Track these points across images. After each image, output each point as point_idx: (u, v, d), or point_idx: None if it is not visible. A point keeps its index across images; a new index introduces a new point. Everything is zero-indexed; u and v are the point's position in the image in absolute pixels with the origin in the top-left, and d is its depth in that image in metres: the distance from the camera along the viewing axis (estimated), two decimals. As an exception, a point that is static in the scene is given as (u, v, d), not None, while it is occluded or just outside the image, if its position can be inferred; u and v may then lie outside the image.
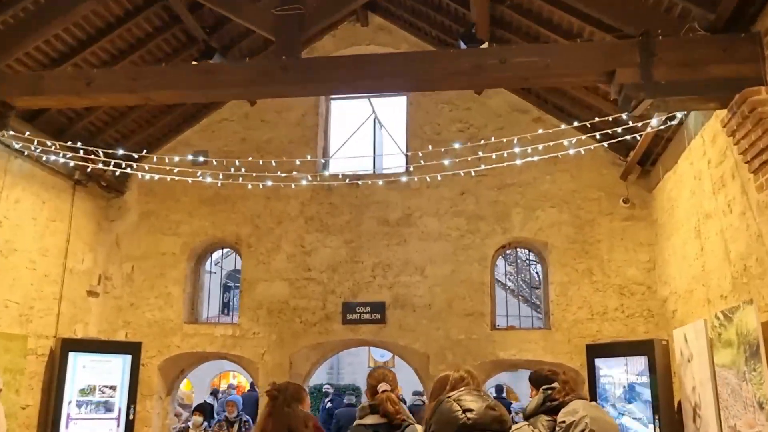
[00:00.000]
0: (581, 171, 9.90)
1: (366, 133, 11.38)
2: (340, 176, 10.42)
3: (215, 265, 18.43)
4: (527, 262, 24.25)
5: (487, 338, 9.60)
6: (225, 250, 11.52)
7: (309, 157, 9.03)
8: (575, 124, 7.54)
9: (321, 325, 10.00)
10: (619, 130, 7.50)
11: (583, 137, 7.98)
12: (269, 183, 8.69)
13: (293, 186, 9.18)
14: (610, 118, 7.28)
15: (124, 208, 10.92)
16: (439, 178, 8.75)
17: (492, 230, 9.96)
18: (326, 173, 10.38)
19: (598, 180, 9.81)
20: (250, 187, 9.00)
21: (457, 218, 10.06)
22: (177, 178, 8.67)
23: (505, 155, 8.01)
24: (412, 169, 10.33)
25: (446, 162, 8.25)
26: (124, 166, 8.37)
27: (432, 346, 9.68)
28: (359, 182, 10.20)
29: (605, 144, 7.92)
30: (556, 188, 9.91)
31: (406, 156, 10.62)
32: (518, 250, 11.12)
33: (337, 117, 11.55)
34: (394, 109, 11.65)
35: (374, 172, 10.80)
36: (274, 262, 10.32)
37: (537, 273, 26.37)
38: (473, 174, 8.71)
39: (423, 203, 10.19)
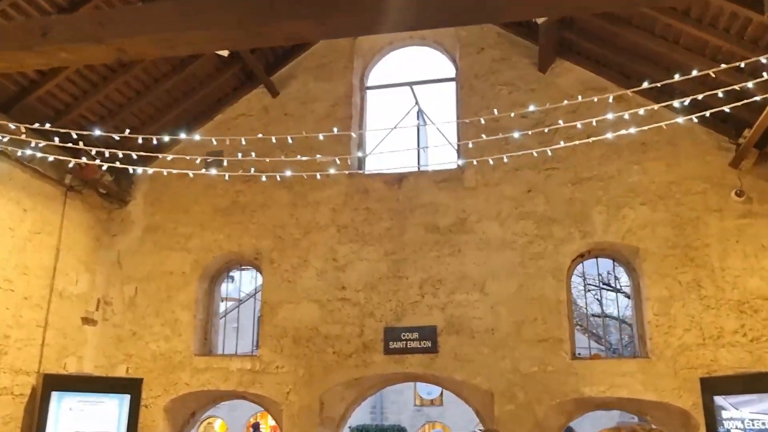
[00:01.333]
0: (679, 158, 7.95)
1: (408, 129, 9.63)
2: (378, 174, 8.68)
3: (251, 296, 16.67)
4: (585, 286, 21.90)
5: (567, 370, 7.59)
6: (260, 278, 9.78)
7: (336, 131, 7.20)
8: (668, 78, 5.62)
9: (358, 356, 8.14)
10: (742, 89, 5.55)
11: (680, 102, 6.03)
12: (288, 173, 6.95)
13: (318, 176, 7.39)
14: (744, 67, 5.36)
15: (128, 221, 9.33)
16: (506, 159, 6.87)
17: (568, 235, 8.01)
18: (357, 153, 8.61)
19: (701, 169, 7.83)
20: (264, 179, 7.28)
21: (523, 221, 8.16)
22: (177, 171, 7.00)
23: (594, 127, 6.12)
24: (465, 164, 8.52)
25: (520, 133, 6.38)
26: (105, 156, 6.73)
27: (497, 381, 7.71)
28: (401, 170, 8.40)
29: (726, 108, 5.96)
30: (648, 180, 7.96)
31: (458, 149, 8.81)
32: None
33: (374, 112, 9.85)
34: (440, 99, 9.89)
35: (419, 170, 9.00)
36: (301, 280, 8.55)
37: (598, 299, 23.86)
38: (548, 153, 6.83)
39: (480, 204, 8.33)
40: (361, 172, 8.90)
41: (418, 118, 9.57)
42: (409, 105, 9.61)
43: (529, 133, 6.61)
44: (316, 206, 8.76)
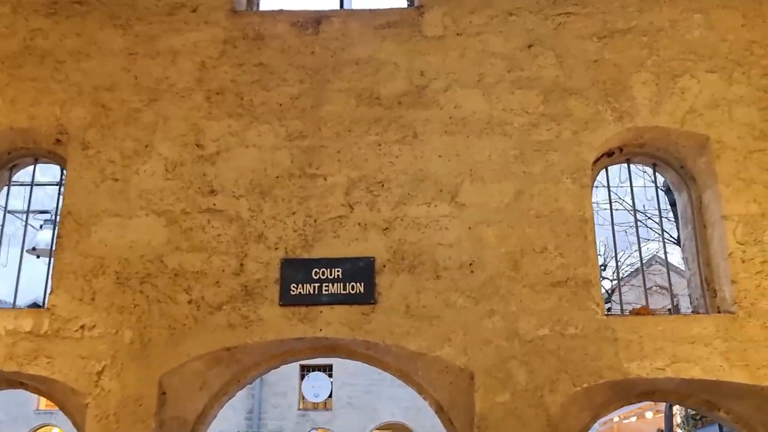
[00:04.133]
0: (763, 9, 5.06)
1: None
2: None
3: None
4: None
5: (599, 333, 4.43)
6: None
7: None
8: None
9: (234, 308, 4.58)
10: None
11: None
12: None
13: None
14: None
15: None
16: None
17: (595, 114, 4.89)
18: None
19: (799, 21, 4.98)
20: None
21: (522, 92, 4.96)
22: None
23: None
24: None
25: None
26: None
27: (480, 353, 4.41)
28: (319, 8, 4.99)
29: None
30: (717, 37, 5.02)
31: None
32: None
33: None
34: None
35: (348, 7, 5.60)
36: (137, 177, 4.88)
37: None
38: None
39: (451, 64, 5.04)
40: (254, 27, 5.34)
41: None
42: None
43: None
44: (171, 58, 5.14)
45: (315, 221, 4.74)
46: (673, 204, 9.25)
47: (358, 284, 4.57)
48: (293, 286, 4.58)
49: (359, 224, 4.72)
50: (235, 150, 4.91)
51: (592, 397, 4.43)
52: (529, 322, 4.46)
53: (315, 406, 23.80)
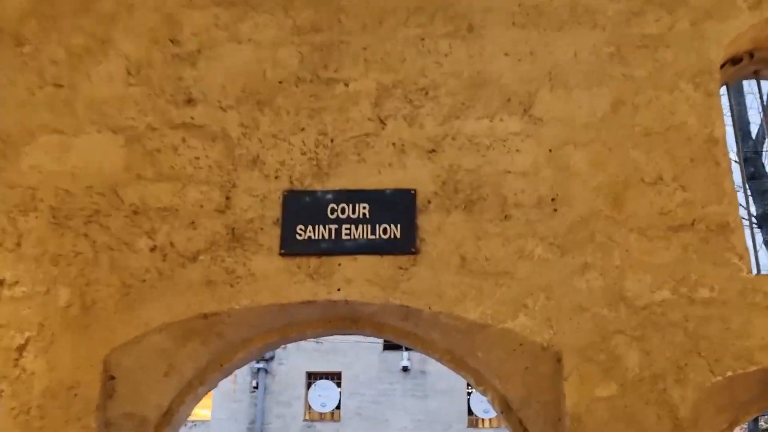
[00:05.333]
0: None
1: None
2: None
3: None
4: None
5: (745, 298, 3.05)
6: None
7: None
8: None
9: (216, 259, 3.23)
10: None
11: None
12: None
13: None
14: None
15: None
16: None
17: (722, 0, 3.53)
18: None
19: None
20: None
21: (617, -29, 3.62)
22: None
23: None
24: None
25: None
26: None
27: (571, 326, 3.04)
28: None
29: None
30: None
31: None
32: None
33: None
34: None
35: None
36: (89, 83, 3.56)
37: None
38: None
39: (519, -64, 3.70)
40: None
41: None
42: None
43: None
44: (141, -69, 3.83)
45: (332, 141, 3.39)
46: (751, 177, 7.81)
47: (392, 226, 3.21)
48: (300, 229, 3.23)
49: (394, 145, 3.36)
50: (224, 47, 3.57)
51: (735, 393, 3.04)
52: (640, 281, 3.09)
53: (321, 417, 22.33)
